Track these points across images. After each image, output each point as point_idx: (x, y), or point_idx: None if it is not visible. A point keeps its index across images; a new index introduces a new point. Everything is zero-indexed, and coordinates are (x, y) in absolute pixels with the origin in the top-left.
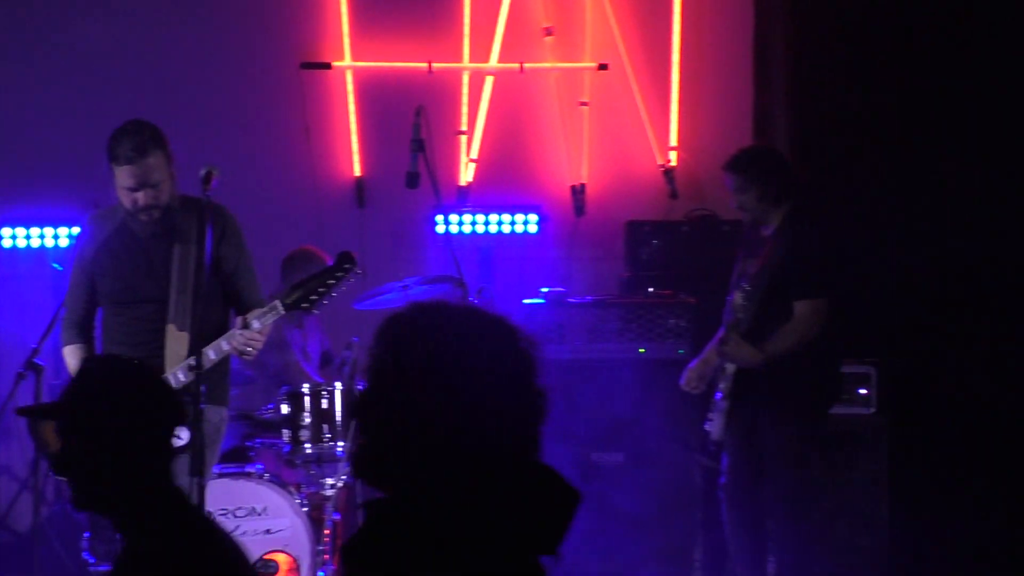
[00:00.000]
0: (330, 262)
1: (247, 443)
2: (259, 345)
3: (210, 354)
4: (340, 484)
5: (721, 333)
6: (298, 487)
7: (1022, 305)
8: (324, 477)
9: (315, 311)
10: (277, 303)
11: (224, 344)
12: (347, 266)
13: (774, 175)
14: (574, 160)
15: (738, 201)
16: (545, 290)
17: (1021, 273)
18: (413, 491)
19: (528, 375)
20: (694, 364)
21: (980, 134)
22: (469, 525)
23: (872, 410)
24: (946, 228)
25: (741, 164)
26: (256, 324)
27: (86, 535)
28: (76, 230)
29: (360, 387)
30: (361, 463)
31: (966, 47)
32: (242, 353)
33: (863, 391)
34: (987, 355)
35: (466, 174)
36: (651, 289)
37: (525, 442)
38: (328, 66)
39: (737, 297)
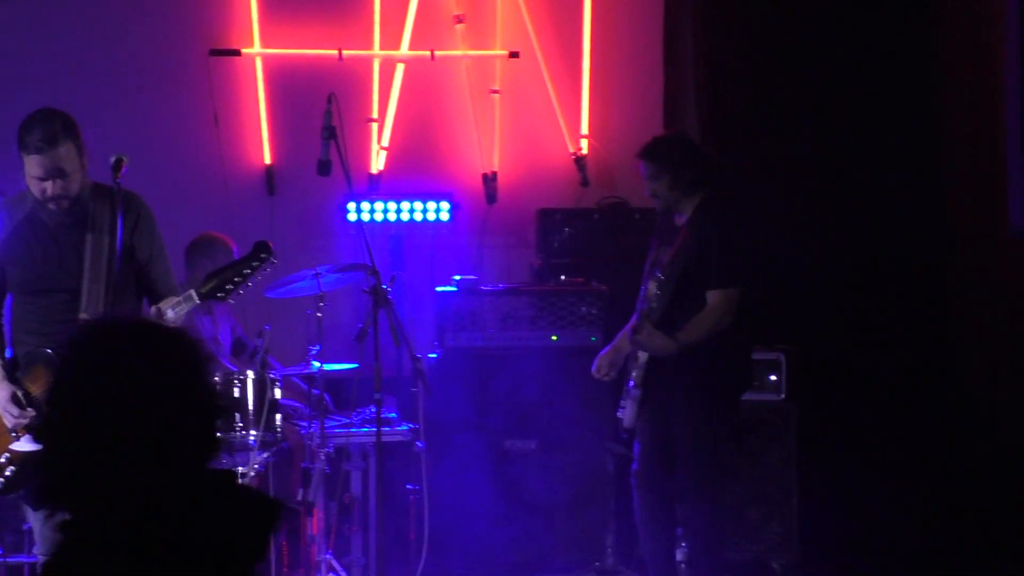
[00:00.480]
0: (235, 248)
1: None
2: None
3: None
4: (253, 473)
5: (634, 321)
6: None
7: (924, 291)
8: (236, 466)
9: (230, 300)
10: (192, 292)
11: None
12: (263, 255)
13: (687, 163)
14: (486, 148)
15: (651, 189)
16: (457, 278)
17: (925, 260)
18: (100, 511)
19: (196, 380)
20: (606, 351)
21: (885, 124)
22: (160, 541)
23: (781, 396)
24: (853, 216)
25: (655, 151)
26: (171, 314)
27: None
28: None
29: (273, 374)
30: (46, 489)
31: (872, 37)
32: None
33: (773, 378)
34: (892, 341)
35: (377, 162)
36: (563, 277)
37: (203, 446)
38: (237, 53)
39: (650, 286)
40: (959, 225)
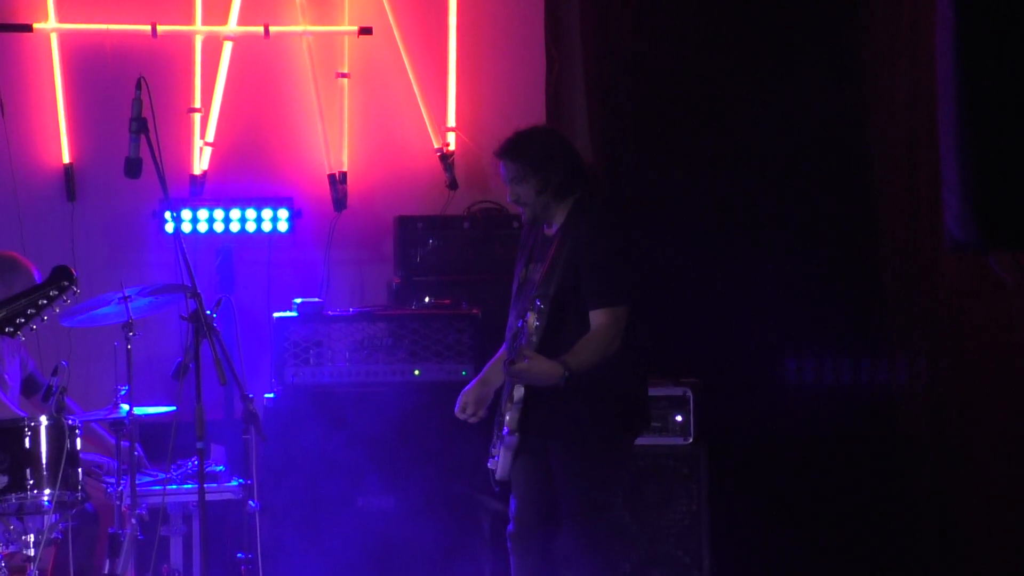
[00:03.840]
0: (38, 274)
1: None
2: None
3: None
4: (47, 541)
5: (504, 350)
6: None
7: (854, 313)
8: (26, 533)
9: (21, 336)
10: None
11: None
12: (64, 283)
13: (557, 162)
14: (333, 144)
15: (514, 194)
16: (299, 301)
17: (854, 277)
18: None
19: None
20: (471, 386)
21: (805, 121)
22: None
23: (689, 440)
24: (771, 227)
25: (516, 149)
26: None
27: None
28: None
29: (72, 421)
30: None
31: (791, 24)
32: None
33: (679, 418)
34: (820, 371)
35: (201, 161)
36: (427, 298)
37: None
38: (28, 28)
39: (529, 317)
40: (891, 238)
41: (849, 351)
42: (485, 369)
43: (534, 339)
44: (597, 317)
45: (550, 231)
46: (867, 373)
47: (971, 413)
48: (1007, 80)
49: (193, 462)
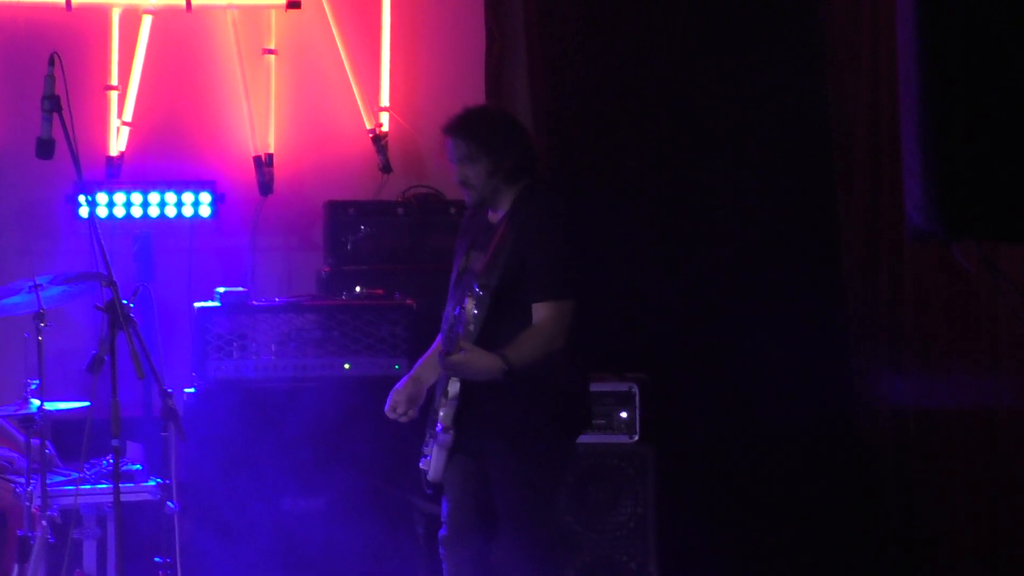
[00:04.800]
0: None
1: None
2: None
3: None
4: None
5: (438, 343)
6: None
7: (811, 301)
8: None
9: None
10: None
11: None
12: None
13: (511, 144)
14: (259, 124)
15: (461, 176)
16: (222, 290)
17: (811, 264)
18: None
19: None
20: (403, 383)
21: (766, 99)
22: None
23: (635, 438)
24: (723, 212)
25: (468, 126)
26: None
27: None
28: None
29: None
30: None
31: (738, 8)
32: None
33: (623, 414)
34: (775, 363)
35: (118, 142)
36: (359, 288)
37: None
38: None
39: (467, 304)
40: (852, 224)
41: (807, 344)
42: (418, 364)
43: (471, 328)
44: (541, 310)
45: (495, 217)
46: (826, 367)
47: (934, 410)
48: (970, 60)
49: (108, 461)
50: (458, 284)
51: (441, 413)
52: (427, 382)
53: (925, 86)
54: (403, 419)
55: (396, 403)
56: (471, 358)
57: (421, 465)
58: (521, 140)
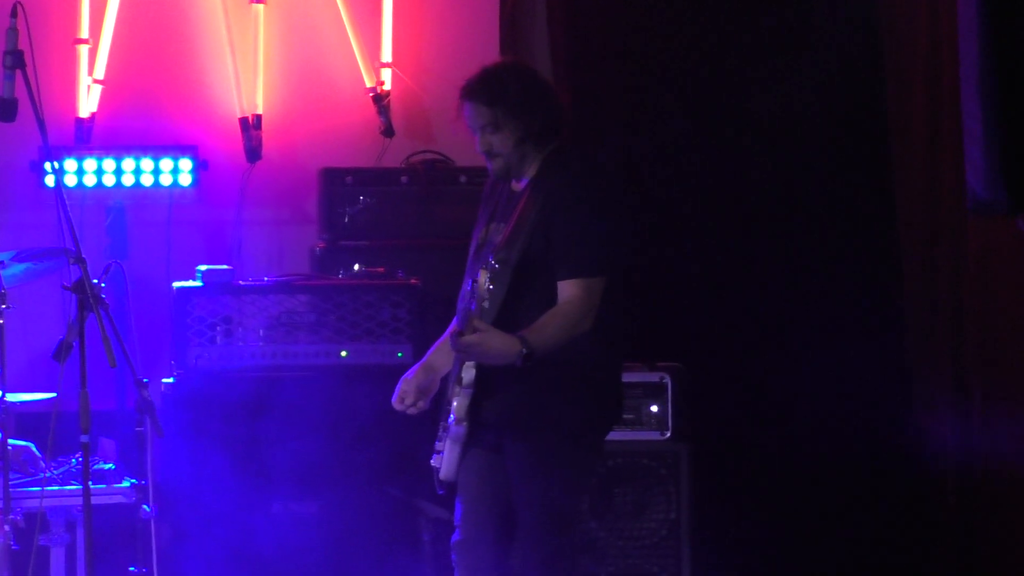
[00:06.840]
0: None
1: None
2: None
3: None
4: None
5: (454, 326)
6: None
7: (863, 286)
8: None
9: None
10: None
11: None
12: None
13: (538, 106)
14: (246, 83)
15: (485, 144)
16: (204, 268)
17: (865, 246)
18: None
19: None
20: (413, 372)
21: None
22: None
23: (667, 435)
24: (768, 189)
25: (491, 91)
26: None
27: None
28: None
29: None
30: None
31: None
32: None
33: (654, 408)
34: (825, 352)
35: (89, 102)
36: (357, 266)
37: None
38: None
39: (481, 278)
40: (909, 202)
41: (857, 336)
42: (431, 351)
43: (486, 305)
44: (567, 288)
45: (518, 186)
46: (878, 361)
47: (997, 402)
48: None
49: (77, 459)
50: (476, 259)
51: (454, 403)
52: (441, 371)
53: (987, 37)
54: (411, 411)
55: (405, 393)
56: (485, 338)
57: (432, 462)
58: (550, 99)
